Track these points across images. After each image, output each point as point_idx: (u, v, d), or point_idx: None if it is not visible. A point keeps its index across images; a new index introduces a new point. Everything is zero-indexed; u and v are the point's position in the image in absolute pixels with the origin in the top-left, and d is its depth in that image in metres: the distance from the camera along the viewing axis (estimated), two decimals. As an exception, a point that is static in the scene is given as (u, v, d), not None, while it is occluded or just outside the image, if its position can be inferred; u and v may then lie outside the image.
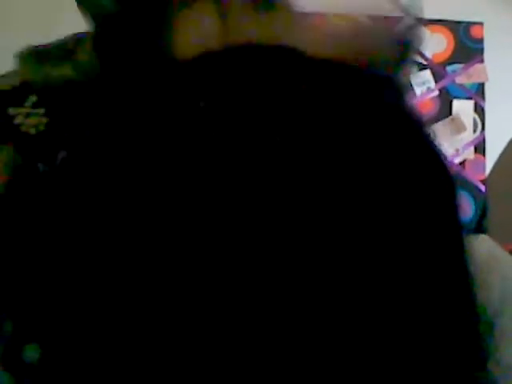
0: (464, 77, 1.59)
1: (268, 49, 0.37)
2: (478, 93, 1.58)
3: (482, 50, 1.61)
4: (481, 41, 1.62)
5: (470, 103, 1.57)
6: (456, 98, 1.58)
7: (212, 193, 0.31)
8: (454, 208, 0.36)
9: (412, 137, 0.36)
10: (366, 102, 0.35)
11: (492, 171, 1.46)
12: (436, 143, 0.36)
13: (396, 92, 0.38)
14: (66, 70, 0.41)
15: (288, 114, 0.33)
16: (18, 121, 0.41)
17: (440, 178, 0.36)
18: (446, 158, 0.37)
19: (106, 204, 0.34)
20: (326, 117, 0.33)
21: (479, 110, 1.56)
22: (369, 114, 0.34)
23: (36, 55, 0.44)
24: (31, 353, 0.36)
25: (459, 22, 1.64)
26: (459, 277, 0.35)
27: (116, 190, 0.34)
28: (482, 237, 0.47)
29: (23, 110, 0.41)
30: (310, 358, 0.31)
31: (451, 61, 1.62)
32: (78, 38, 0.44)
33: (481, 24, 1.63)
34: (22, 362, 0.36)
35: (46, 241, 0.36)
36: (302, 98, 0.33)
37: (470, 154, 1.52)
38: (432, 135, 0.37)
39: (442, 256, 0.34)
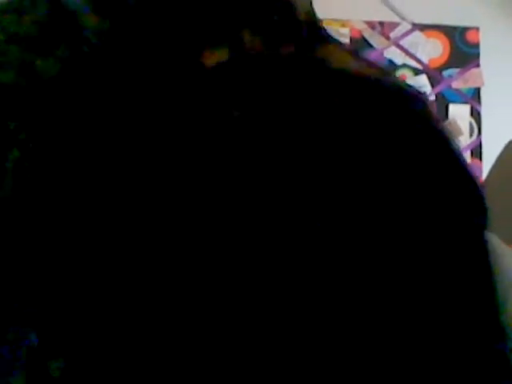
0: (460, 81, 1.60)
1: (299, 60, 0.38)
2: (474, 97, 1.58)
3: (477, 55, 1.62)
4: (477, 45, 1.62)
5: (466, 108, 1.57)
6: (452, 102, 1.58)
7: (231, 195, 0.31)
8: (481, 220, 0.37)
9: (441, 149, 0.36)
10: (396, 114, 0.35)
11: (489, 175, 1.47)
12: (463, 157, 0.37)
13: (423, 104, 0.38)
14: (49, 66, 0.39)
15: (321, 125, 0.33)
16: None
17: (469, 192, 0.37)
18: (473, 172, 0.38)
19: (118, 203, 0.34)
20: (358, 129, 0.33)
21: (475, 115, 1.57)
22: (399, 125, 0.35)
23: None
24: (57, 366, 0.36)
25: (455, 27, 1.65)
26: (481, 275, 0.35)
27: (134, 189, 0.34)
28: (489, 234, 0.48)
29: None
30: (315, 358, 0.31)
31: (447, 66, 1.62)
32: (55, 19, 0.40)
33: (476, 29, 1.63)
34: (48, 376, 0.36)
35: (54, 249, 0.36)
36: (335, 110, 0.34)
37: (466, 158, 1.53)
38: (458, 148, 0.37)
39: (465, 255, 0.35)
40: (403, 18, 1.67)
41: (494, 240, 0.49)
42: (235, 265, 0.30)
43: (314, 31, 0.41)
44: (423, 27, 1.66)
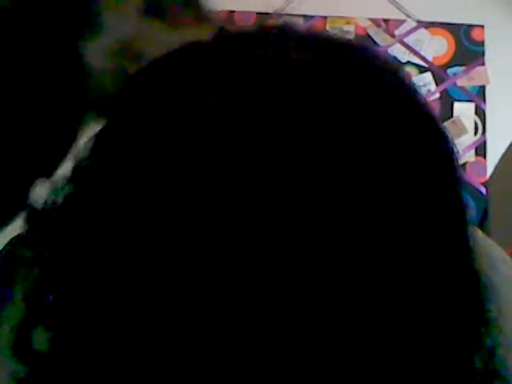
0: (465, 79, 1.59)
1: (256, 33, 0.38)
2: (479, 95, 1.58)
3: (482, 53, 1.61)
4: (482, 43, 1.62)
5: (471, 106, 1.57)
6: (457, 100, 1.58)
7: (220, 188, 0.31)
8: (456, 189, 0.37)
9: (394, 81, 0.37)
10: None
11: (493, 174, 1.46)
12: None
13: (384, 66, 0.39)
14: None
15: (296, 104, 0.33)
16: None
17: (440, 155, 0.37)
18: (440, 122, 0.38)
19: (113, 202, 0.34)
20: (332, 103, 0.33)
21: (480, 113, 1.56)
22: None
23: None
24: (39, 337, 0.36)
25: (460, 25, 1.64)
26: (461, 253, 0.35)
27: (124, 186, 0.34)
28: (472, 228, 0.48)
29: None
30: (312, 355, 0.31)
31: (452, 63, 1.62)
32: None
33: (481, 27, 1.63)
34: (31, 347, 0.37)
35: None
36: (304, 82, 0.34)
37: (470, 156, 1.52)
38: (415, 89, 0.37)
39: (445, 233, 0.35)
40: (408, 16, 1.67)
41: (481, 238, 0.49)
42: (233, 265, 0.30)
43: None
44: (428, 25, 1.66)
